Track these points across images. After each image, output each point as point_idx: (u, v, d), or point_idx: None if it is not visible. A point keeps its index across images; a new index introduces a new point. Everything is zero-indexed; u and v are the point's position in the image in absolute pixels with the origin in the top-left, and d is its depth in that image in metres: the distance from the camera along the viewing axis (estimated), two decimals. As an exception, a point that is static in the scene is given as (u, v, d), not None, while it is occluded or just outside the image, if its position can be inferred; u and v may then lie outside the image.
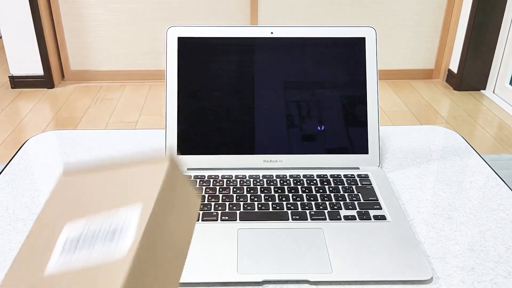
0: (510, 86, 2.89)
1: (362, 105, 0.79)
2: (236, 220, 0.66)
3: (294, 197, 0.71)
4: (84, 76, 3.10)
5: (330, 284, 0.57)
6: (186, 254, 0.28)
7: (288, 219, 0.66)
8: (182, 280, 0.57)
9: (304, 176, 0.76)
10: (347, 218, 0.67)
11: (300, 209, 0.68)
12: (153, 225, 0.24)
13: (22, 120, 2.61)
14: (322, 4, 2.97)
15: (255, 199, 0.70)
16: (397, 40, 3.10)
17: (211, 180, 0.75)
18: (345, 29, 0.79)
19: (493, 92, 3.02)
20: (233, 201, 0.70)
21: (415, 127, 0.97)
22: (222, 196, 0.71)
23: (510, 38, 2.88)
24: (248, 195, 0.72)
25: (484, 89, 3.05)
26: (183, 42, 0.78)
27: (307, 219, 0.66)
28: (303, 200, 0.70)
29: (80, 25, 2.96)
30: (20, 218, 0.69)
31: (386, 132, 0.94)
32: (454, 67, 3.08)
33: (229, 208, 0.69)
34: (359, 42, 0.79)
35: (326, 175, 0.76)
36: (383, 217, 0.67)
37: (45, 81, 2.98)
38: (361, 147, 0.79)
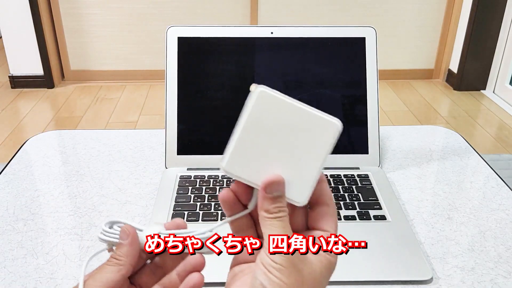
0: (510, 86, 2.89)
1: (362, 105, 0.79)
2: (236, 220, 0.66)
3: (294, 197, 0.71)
4: (84, 76, 3.10)
5: (330, 284, 0.56)
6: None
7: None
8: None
9: (304, 176, 0.76)
10: (347, 218, 0.67)
11: (300, 209, 0.68)
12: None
13: (22, 120, 2.61)
14: (322, 4, 2.97)
15: (255, 199, 0.70)
16: (397, 40, 3.10)
17: (211, 180, 0.75)
18: (345, 29, 0.79)
19: (493, 92, 3.02)
20: (233, 201, 0.70)
21: (415, 127, 0.97)
22: (222, 196, 0.71)
23: (510, 38, 2.88)
24: (248, 195, 0.72)
25: (484, 89, 3.05)
26: (183, 42, 0.78)
27: (307, 219, 0.66)
28: (303, 200, 0.70)
29: (80, 25, 2.96)
30: (20, 218, 0.69)
31: (386, 132, 0.94)
32: (454, 67, 3.08)
33: (229, 208, 0.69)
34: (359, 42, 0.79)
35: (326, 175, 0.76)
36: (383, 217, 0.67)
37: (45, 81, 2.98)
38: (361, 147, 0.79)
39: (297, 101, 0.35)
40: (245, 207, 0.37)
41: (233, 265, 0.38)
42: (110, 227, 0.39)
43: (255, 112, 0.35)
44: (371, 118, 0.79)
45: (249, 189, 0.36)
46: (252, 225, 0.38)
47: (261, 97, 0.35)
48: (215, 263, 0.59)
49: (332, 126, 0.35)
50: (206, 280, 0.57)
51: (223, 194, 0.36)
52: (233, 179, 0.36)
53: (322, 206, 0.36)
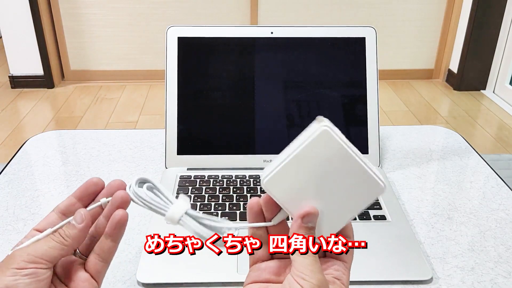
0: (510, 86, 2.89)
1: (362, 105, 0.79)
2: (236, 220, 0.67)
3: (294, 197, 0.71)
4: (84, 76, 3.10)
5: (330, 284, 0.57)
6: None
7: (288, 219, 0.66)
8: (182, 280, 0.57)
9: (304, 176, 0.76)
10: (347, 218, 0.67)
11: (300, 209, 0.68)
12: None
13: (22, 120, 2.61)
14: (322, 4, 2.97)
15: (255, 199, 0.70)
16: (397, 40, 3.10)
17: (211, 180, 0.75)
18: (345, 29, 0.79)
19: (493, 92, 3.02)
20: (233, 201, 0.70)
21: (415, 127, 0.97)
22: (222, 196, 0.71)
23: (510, 38, 2.88)
24: (248, 195, 0.72)
25: (484, 89, 3.05)
26: (183, 42, 0.78)
27: (307, 219, 0.66)
28: (303, 200, 0.70)
29: (80, 25, 2.96)
30: (20, 218, 0.69)
31: (386, 132, 0.94)
32: (454, 67, 3.08)
33: (229, 208, 0.69)
34: (359, 42, 0.79)
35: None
36: (383, 217, 0.67)
37: (45, 81, 2.97)
38: (361, 147, 0.79)
39: (354, 148, 0.36)
40: (265, 220, 0.39)
41: (247, 283, 0.39)
42: (140, 187, 0.38)
43: (312, 146, 0.35)
44: (371, 118, 0.79)
45: (277, 207, 0.38)
46: (267, 242, 0.39)
47: (322, 135, 0.35)
48: (215, 263, 0.59)
49: (378, 187, 0.36)
50: (206, 280, 0.57)
51: (253, 202, 0.38)
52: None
53: (344, 238, 0.38)
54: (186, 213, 0.37)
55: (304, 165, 0.36)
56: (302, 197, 0.36)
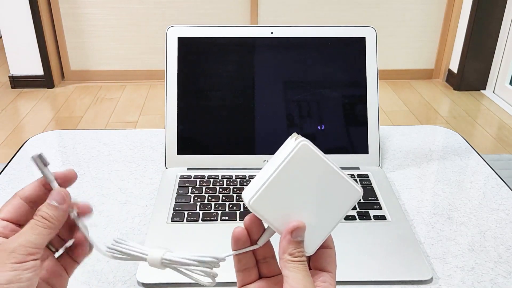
0: (510, 86, 2.89)
1: (362, 105, 0.79)
2: (236, 220, 0.67)
3: (294, 197, 0.71)
4: (84, 76, 3.10)
5: (330, 284, 0.57)
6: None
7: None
8: (182, 280, 0.57)
9: (304, 176, 0.76)
10: (347, 218, 0.67)
11: (300, 209, 0.68)
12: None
13: (22, 120, 2.61)
14: (322, 4, 2.97)
15: (255, 199, 0.70)
16: (397, 40, 3.10)
17: (211, 180, 0.75)
18: (345, 29, 0.79)
19: (493, 92, 3.02)
20: (233, 201, 0.70)
21: (415, 127, 0.97)
22: (222, 196, 0.71)
23: (510, 38, 2.88)
24: (248, 195, 0.72)
25: (484, 89, 3.05)
26: (183, 42, 0.78)
27: (307, 219, 0.66)
28: (303, 200, 0.70)
29: (80, 25, 2.96)
30: (20, 218, 0.68)
31: (386, 132, 0.94)
32: (454, 67, 3.08)
33: (229, 208, 0.69)
34: (359, 42, 0.79)
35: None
36: (383, 217, 0.67)
37: (45, 81, 2.98)
38: (361, 147, 0.79)
39: (331, 160, 0.37)
40: (252, 243, 0.39)
41: None
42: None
43: (293, 162, 0.37)
44: (371, 118, 0.79)
45: (261, 227, 0.38)
46: (255, 263, 0.39)
47: (302, 150, 0.37)
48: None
49: (355, 192, 0.38)
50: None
51: (238, 232, 0.38)
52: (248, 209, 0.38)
53: (325, 248, 0.39)
54: (166, 257, 0.37)
55: (288, 180, 0.37)
56: (288, 213, 0.37)
